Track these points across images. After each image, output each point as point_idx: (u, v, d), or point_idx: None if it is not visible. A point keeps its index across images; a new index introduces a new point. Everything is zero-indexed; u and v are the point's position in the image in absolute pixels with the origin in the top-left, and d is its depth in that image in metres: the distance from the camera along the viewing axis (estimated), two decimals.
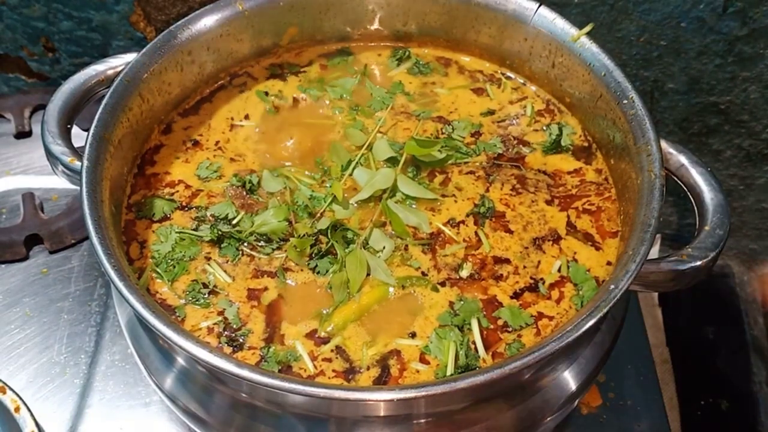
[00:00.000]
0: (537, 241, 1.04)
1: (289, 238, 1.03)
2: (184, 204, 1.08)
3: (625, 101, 1.03)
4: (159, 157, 1.13)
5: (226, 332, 0.96)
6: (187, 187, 1.10)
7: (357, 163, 1.10)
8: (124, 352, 1.26)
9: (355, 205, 1.07)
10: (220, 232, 1.03)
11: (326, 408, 0.89)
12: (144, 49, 1.09)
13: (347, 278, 0.98)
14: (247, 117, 1.19)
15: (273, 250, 1.03)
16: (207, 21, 1.14)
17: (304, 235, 1.02)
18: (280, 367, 0.93)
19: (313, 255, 1.01)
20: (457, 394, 0.86)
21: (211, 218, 1.06)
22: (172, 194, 1.09)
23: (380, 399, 0.80)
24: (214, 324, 0.97)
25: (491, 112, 1.19)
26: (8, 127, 1.57)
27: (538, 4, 1.13)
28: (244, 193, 1.09)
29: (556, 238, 1.05)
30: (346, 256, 1.00)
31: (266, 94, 1.21)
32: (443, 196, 1.08)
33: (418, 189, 1.07)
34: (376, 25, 1.25)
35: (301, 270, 1.01)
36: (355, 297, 0.98)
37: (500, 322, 0.97)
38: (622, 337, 1.04)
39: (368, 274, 1.00)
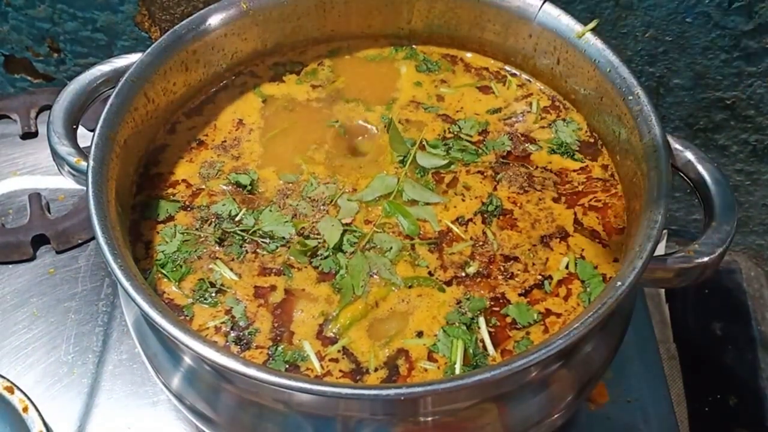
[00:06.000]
0: (545, 239, 1.04)
1: (293, 238, 1.03)
2: (186, 204, 1.08)
3: (631, 97, 1.03)
4: (163, 157, 1.13)
5: (233, 331, 0.96)
6: (188, 186, 1.10)
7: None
8: (131, 351, 1.26)
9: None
10: (222, 231, 1.03)
11: (333, 407, 0.89)
12: (149, 49, 1.09)
13: (351, 282, 0.99)
14: (252, 116, 1.19)
15: (277, 247, 1.03)
16: (211, 20, 1.14)
17: (307, 235, 1.03)
18: (287, 367, 0.93)
19: (317, 254, 1.02)
20: (465, 392, 0.86)
21: (213, 217, 1.06)
22: (174, 194, 1.10)
23: (388, 396, 0.80)
24: (222, 323, 0.97)
25: (497, 110, 1.19)
26: (14, 128, 1.57)
27: (542, 1, 1.13)
28: (243, 190, 1.09)
29: (564, 236, 1.05)
30: (349, 261, 1.00)
31: (271, 93, 1.21)
32: (444, 193, 1.08)
33: (424, 193, 1.07)
34: (380, 23, 1.25)
35: (306, 267, 1.01)
36: (361, 297, 0.98)
37: (508, 320, 0.97)
38: (629, 334, 1.04)
39: (374, 275, 1.00)
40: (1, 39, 1.63)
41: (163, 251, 1.03)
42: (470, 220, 1.06)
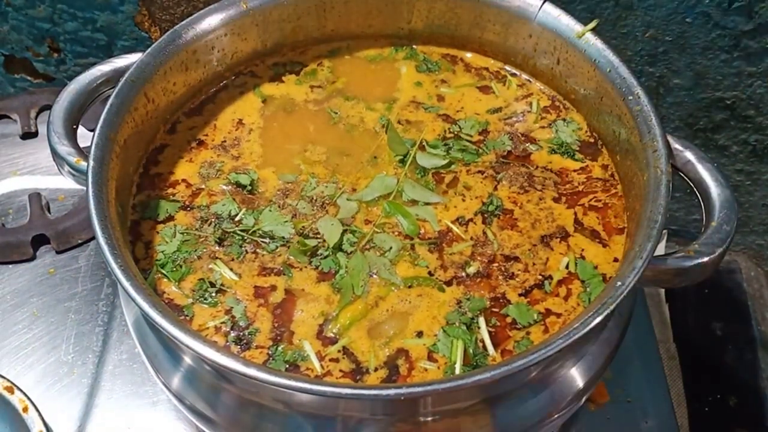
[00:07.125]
0: (545, 239, 1.04)
1: (293, 237, 1.03)
2: (186, 204, 1.08)
3: (631, 97, 1.03)
4: (163, 157, 1.13)
5: (233, 331, 0.96)
6: (188, 186, 1.10)
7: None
8: (131, 351, 1.27)
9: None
10: (222, 231, 1.03)
11: (334, 407, 0.89)
12: (149, 49, 1.09)
13: (351, 282, 0.99)
14: (251, 116, 1.19)
15: (277, 246, 1.03)
16: (211, 20, 1.14)
17: (307, 235, 1.03)
18: (287, 367, 0.93)
19: (317, 254, 1.02)
20: (465, 392, 0.86)
21: (213, 217, 1.06)
22: (174, 194, 1.10)
23: (388, 396, 0.80)
24: (222, 323, 0.97)
25: (498, 110, 1.19)
26: (14, 128, 1.57)
27: (542, 1, 1.13)
28: (242, 190, 1.09)
29: (564, 236, 1.05)
30: (349, 261, 1.00)
31: (270, 93, 1.21)
32: (445, 193, 1.08)
33: (424, 193, 1.07)
34: (380, 23, 1.25)
35: (306, 267, 1.01)
36: (361, 297, 0.98)
37: (508, 320, 0.97)
38: (629, 334, 1.04)
39: (374, 274, 1.00)
40: (1, 39, 1.63)
41: (163, 251, 1.03)
42: (470, 220, 1.06)
